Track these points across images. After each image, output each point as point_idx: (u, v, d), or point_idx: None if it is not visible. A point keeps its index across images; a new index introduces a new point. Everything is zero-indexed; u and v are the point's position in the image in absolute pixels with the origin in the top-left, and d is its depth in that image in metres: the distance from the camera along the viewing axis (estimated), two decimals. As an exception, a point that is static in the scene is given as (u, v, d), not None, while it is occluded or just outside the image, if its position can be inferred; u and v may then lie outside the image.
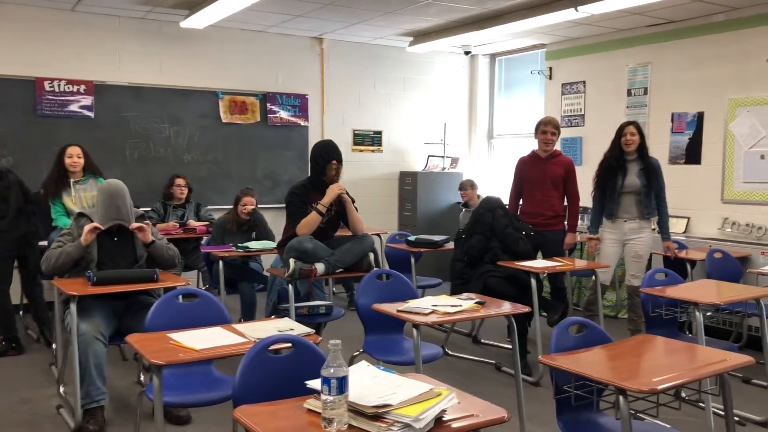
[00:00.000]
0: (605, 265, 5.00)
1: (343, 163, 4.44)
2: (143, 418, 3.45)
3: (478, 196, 7.32)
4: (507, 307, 3.52)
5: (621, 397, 2.22)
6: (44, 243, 5.01)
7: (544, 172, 5.16)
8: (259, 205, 5.80)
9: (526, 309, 3.54)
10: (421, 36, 7.39)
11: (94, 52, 6.46)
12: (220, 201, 6.76)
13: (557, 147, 5.33)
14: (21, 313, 5.94)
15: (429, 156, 8.29)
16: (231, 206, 5.71)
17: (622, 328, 5.32)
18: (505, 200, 5.16)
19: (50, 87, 6.27)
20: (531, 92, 8.23)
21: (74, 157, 5.07)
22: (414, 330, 3.18)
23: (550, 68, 7.73)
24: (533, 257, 4.85)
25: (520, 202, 5.30)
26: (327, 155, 4.32)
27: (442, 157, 8.35)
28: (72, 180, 5.07)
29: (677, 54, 6.45)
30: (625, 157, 4.92)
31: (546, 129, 5.16)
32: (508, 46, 8.07)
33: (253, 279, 5.42)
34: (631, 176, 4.90)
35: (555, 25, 6.52)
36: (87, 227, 3.68)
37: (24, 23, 6.14)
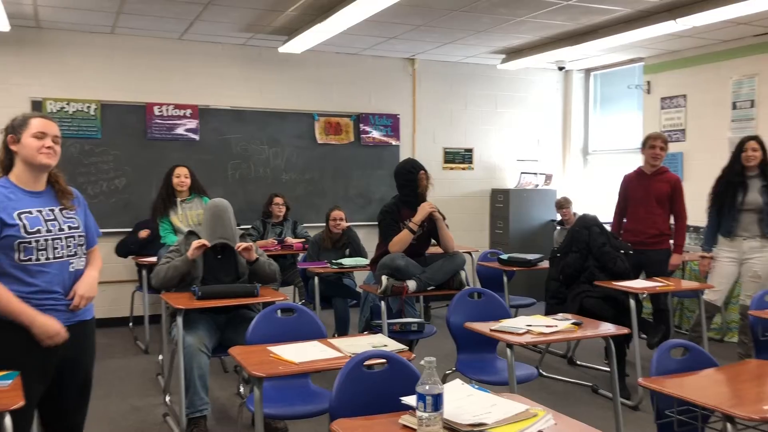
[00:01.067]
0: (708, 286, 4.78)
1: (434, 181, 4.51)
2: (243, 428, 3.59)
3: (574, 214, 7.18)
4: (606, 328, 3.43)
5: (729, 425, 2.12)
6: (154, 259, 5.33)
7: (648, 188, 5.01)
8: (351, 223, 5.93)
9: (626, 331, 3.44)
10: (513, 53, 7.36)
11: (199, 78, 6.83)
12: (315, 219, 6.95)
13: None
14: (131, 324, 6.31)
15: (522, 173, 8.20)
16: (325, 224, 5.87)
17: (728, 351, 5.05)
18: (603, 218, 5.03)
19: (159, 112, 6.67)
20: (628, 107, 8.00)
21: (181, 177, 5.36)
22: (508, 350, 3.15)
23: (648, 82, 7.49)
24: (632, 277, 4.69)
25: (624, 220, 5.17)
26: (413, 167, 4.42)
27: (535, 174, 8.23)
28: (179, 199, 5.36)
29: (788, 64, 6.11)
30: (746, 173, 4.69)
31: (655, 143, 5.01)
32: (604, 60, 7.90)
33: (346, 295, 5.53)
34: (752, 193, 4.66)
35: (653, 38, 6.33)
36: (195, 243, 3.88)
37: (136, 52, 6.58)
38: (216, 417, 4.08)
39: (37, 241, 2.41)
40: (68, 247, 2.50)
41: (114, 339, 5.94)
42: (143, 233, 5.84)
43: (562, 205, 7.37)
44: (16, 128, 2.47)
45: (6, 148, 2.49)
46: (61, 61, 6.31)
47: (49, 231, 2.44)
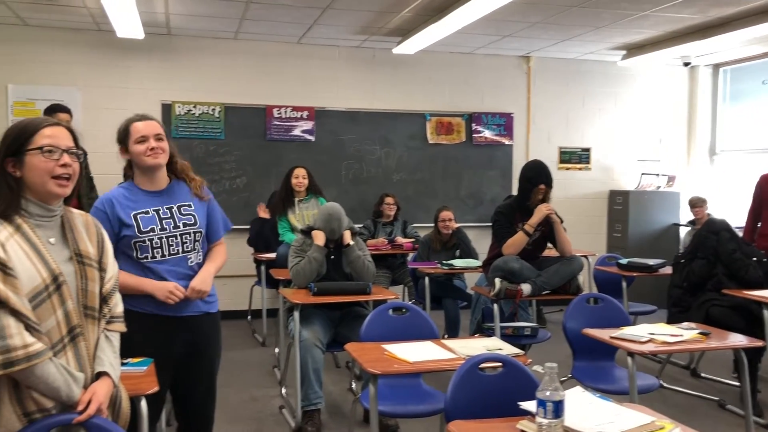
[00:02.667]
0: None
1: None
2: (355, 424, 3.66)
3: (708, 215, 6.77)
4: (738, 339, 3.21)
5: None
6: (272, 255, 5.53)
7: None
8: (461, 224, 5.89)
9: (760, 343, 3.21)
10: (634, 49, 7.04)
11: (315, 81, 7.02)
12: (425, 219, 6.95)
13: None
14: (249, 317, 6.58)
15: (642, 174, 7.83)
16: (434, 224, 5.87)
17: None
18: (732, 222, 4.72)
19: (278, 114, 6.91)
20: (762, 103, 7.46)
21: (300, 178, 5.54)
22: (629, 358, 3.02)
23: (786, 77, 6.95)
24: (766, 286, 4.36)
25: (758, 225, 4.83)
26: (535, 179, 4.28)
27: (657, 175, 7.84)
28: (296, 199, 5.54)
29: None
30: None
31: None
32: (735, 54, 7.40)
33: (457, 296, 5.50)
34: None
35: (793, 28, 5.87)
36: (318, 233, 4.05)
37: (257, 56, 6.85)
38: (329, 411, 4.18)
39: (151, 240, 2.52)
40: (184, 243, 2.59)
41: (233, 331, 6.21)
42: (262, 211, 6.05)
43: (695, 204, 6.97)
44: (122, 139, 2.59)
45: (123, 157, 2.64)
46: (188, 66, 6.68)
47: (163, 229, 2.54)
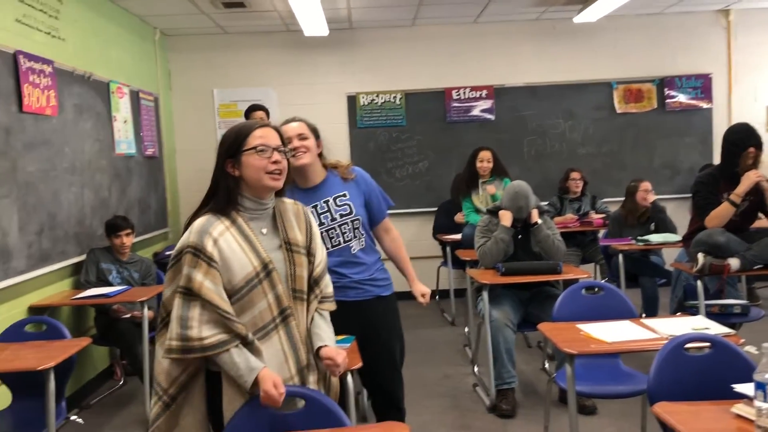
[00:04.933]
0: None
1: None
2: (551, 404, 3.62)
3: None
4: None
5: None
6: (457, 236, 5.60)
7: None
8: (656, 197, 5.54)
9: None
10: None
11: (492, 58, 6.95)
12: (615, 193, 6.62)
13: None
14: (437, 297, 6.72)
15: None
16: (624, 198, 5.57)
17: None
18: None
19: (456, 95, 6.95)
20: None
21: (485, 162, 5.54)
22: None
23: None
24: None
25: None
26: (743, 141, 3.88)
27: None
28: (481, 180, 5.55)
29: None
30: None
31: None
32: None
33: (654, 273, 5.20)
34: None
35: None
36: (504, 213, 4.04)
37: (434, 41, 6.92)
38: (522, 390, 4.17)
39: None
40: (344, 233, 2.70)
41: (423, 311, 6.27)
42: (459, 218, 5.95)
43: None
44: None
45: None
46: (370, 57, 6.93)
47: (321, 224, 2.65)
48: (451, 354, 5.09)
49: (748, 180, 3.81)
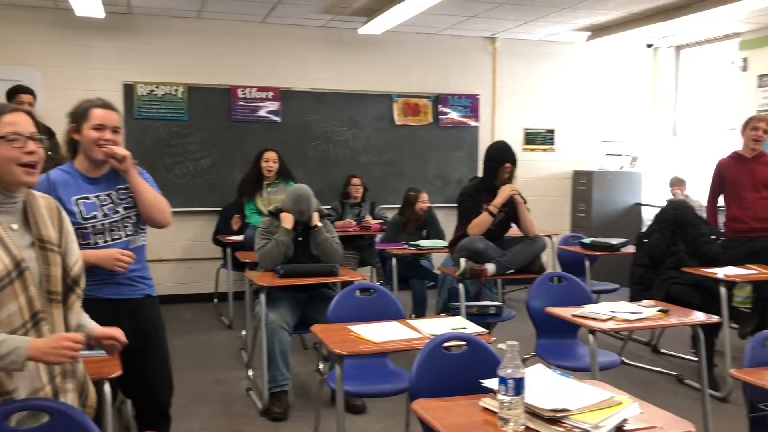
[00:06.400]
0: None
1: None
2: (322, 404, 3.67)
3: (686, 196, 6.87)
4: (696, 316, 3.30)
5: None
6: (239, 237, 5.49)
7: (753, 173, 4.75)
8: (430, 204, 5.92)
9: (717, 319, 3.30)
10: (599, 30, 7.11)
11: (281, 61, 6.94)
12: (392, 200, 6.96)
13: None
14: (215, 300, 6.53)
15: (606, 154, 7.94)
16: (401, 206, 5.88)
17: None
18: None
19: (242, 94, 6.83)
20: (721, 85, 7.60)
21: (270, 162, 5.50)
22: (590, 336, 3.09)
23: (745, 59, 7.08)
24: (721, 264, 4.48)
25: (723, 209, 4.93)
26: (500, 158, 4.31)
27: (620, 155, 7.96)
28: (265, 182, 5.49)
29: None
30: None
31: (758, 125, 4.72)
32: (696, 36, 7.52)
33: (424, 276, 5.54)
34: None
35: (752, 11, 5.97)
36: (286, 215, 4.03)
37: (221, 36, 6.74)
38: (296, 392, 4.19)
39: (93, 227, 2.50)
40: (125, 227, 2.58)
41: (199, 314, 6.16)
42: (236, 224, 5.87)
43: (674, 183, 7.08)
44: (77, 118, 2.52)
45: (70, 135, 2.57)
46: (151, 46, 6.55)
47: (105, 215, 2.52)
48: (226, 358, 4.97)
49: (503, 193, 4.23)
